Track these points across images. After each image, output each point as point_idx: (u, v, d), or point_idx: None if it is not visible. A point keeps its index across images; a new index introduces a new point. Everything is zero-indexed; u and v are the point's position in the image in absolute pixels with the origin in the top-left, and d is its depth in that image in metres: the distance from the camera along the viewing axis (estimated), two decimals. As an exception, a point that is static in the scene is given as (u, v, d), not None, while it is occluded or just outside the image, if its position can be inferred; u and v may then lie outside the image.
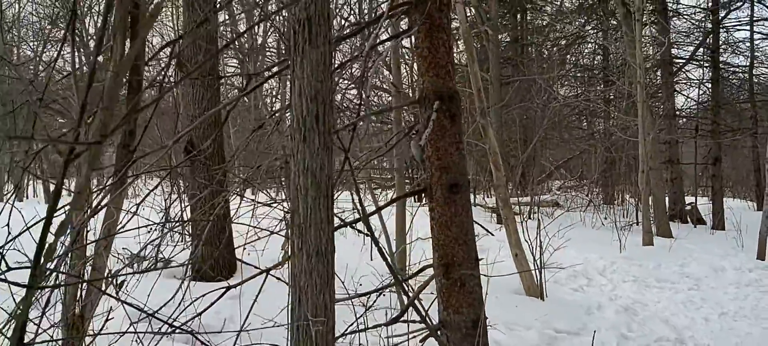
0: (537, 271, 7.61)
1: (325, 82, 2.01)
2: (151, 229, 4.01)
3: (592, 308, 7.38)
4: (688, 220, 17.70)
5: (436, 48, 3.36)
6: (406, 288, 3.24)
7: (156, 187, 3.79)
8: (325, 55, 2.01)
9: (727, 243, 13.42)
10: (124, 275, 3.77)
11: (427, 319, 3.24)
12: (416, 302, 3.13)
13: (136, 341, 3.39)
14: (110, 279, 3.30)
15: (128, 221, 3.61)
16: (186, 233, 5.46)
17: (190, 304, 3.23)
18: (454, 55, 7.09)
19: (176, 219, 5.06)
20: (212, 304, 3.13)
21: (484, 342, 3.34)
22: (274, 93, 18.53)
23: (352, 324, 3.34)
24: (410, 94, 11.25)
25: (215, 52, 6.49)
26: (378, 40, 3.38)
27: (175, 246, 5.25)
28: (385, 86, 13.22)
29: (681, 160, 19.17)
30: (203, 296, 3.29)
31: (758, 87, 22.17)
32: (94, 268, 3.40)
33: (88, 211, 2.92)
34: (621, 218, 14.72)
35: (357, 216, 3.34)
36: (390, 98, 16.32)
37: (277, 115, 4.52)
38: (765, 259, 11.74)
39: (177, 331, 3.03)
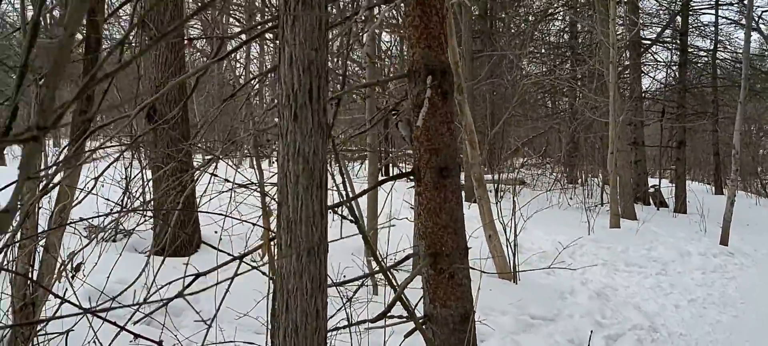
0: (510, 252, 7.46)
1: (320, 50, 1.72)
2: (111, 207, 3.68)
3: (565, 292, 7.27)
4: (651, 202, 17.86)
5: (428, 16, 3.07)
6: (392, 278, 2.99)
7: (117, 159, 3.44)
8: (321, 19, 1.71)
9: (690, 227, 13.55)
10: (81, 255, 3.44)
11: (414, 312, 3.00)
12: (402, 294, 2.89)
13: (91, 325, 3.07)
14: (65, 263, 2.97)
15: (84, 197, 3.27)
16: (148, 209, 5.11)
17: (155, 292, 2.93)
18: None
19: (138, 194, 4.72)
20: (180, 293, 2.84)
21: (473, 339, 3.13)
22: (239, 59, 17.88)
23: (331, 317, 3.08)
24: (377, 65, 10.88)
25: (187, 16, 6.06)
26: (370, 4, 3.08)
27: (138, 222, 4.91)
28: (355, 57, 12.86)
29: (644, 143, 19.31)
30: (169, 283, 2.99)
31: (720, 71, 22.44)
32: (47, 250, 3.07)
33: (40, 188, 2.58)
34: (586, 198, 14.74)
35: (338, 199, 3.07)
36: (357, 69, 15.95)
37: (253, 82, 4.16)
38: (728, 244, 11.87)
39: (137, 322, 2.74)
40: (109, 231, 6.08)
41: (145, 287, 3.83)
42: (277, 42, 2.30)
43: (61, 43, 0.75)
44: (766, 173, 28.05)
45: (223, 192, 3.70)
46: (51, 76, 0.75)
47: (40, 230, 3.13)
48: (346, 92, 3.30)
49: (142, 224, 5.83)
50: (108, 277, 3.96)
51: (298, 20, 1.68)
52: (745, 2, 13.46)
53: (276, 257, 1.77)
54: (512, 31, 20.30)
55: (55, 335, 3.00)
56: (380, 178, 9.54)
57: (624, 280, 8.68)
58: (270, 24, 2.75)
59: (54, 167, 2.72)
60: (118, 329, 2.07)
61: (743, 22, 20.84)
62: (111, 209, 4.04)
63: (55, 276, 2.92)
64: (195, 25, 15.12)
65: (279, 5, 1.74)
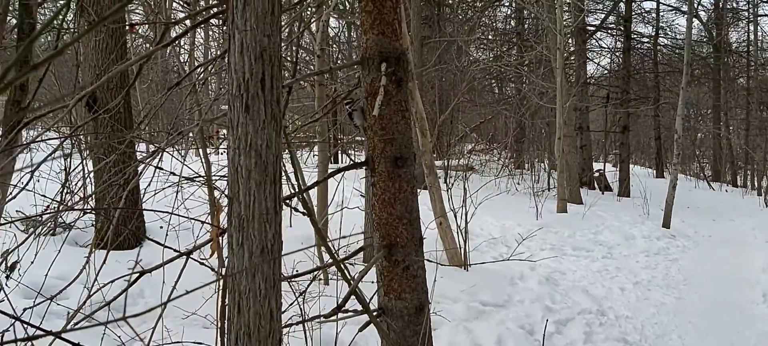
0: (461, 239, 7.46)
1: (273, 36, 1.62)
2: (49, 202, 3.49)
3: (515, 278, 7.33)
4: (596, 186, 18.23)
5: (381, 1, 2.99)
6: (346, 270, 2.92)
7: (55, 151, 3.26)
8: (273, 3, 1.61)
9: (634, 210, 13.90)
10: (16, 253, 3.24)
11: (369, 305, 2.94)
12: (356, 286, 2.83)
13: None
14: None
15: (19, 192, 3.08)
16: (89, 202, 4.89)
17: (97, 290, 2.78)
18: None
19: (78, 188, 4.52)
20: (124, 291, 2.71)
21: (428, 331, 3.09)
22: (184, 45, 17.36)
23: (283, 312, 2.98)
24: (327, 52, 10.78)
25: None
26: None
27: (78, 216, 4.69)
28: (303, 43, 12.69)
29: (589, 128, 19.69)
30: (112, 282, 2.85)
31: (661, 57, 23.07)
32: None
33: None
34: (534, 184, 14.95)
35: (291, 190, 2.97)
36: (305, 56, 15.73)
37: (200, 69, 4.01)
38: (670, 227, 12.23)
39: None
40: (48, 226, 5.83)
41: (85, 286, 3.66)
42: (225, 28, 2.19)
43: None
44: (704, 157, 29.07)
45: (166, 187, 3.55)
46: None
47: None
48: (297, 80, 3.19)
49: (80, 218, 5.60)
50: (46, 275, 3.76)
51: (250, 4, 1.58)
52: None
53: (226, 256, 1.68)
54: (460, 17, 20.35)
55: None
56: (330, 166, 9.43)
57: (572, 264, 8.82)
58: (216, 9, 2.62)
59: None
60: (54, 336, 1.93)
61: (684, 8, 21.46)
62: (49, 204, 3.83)
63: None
64: (137, 10, 14.63)
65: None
